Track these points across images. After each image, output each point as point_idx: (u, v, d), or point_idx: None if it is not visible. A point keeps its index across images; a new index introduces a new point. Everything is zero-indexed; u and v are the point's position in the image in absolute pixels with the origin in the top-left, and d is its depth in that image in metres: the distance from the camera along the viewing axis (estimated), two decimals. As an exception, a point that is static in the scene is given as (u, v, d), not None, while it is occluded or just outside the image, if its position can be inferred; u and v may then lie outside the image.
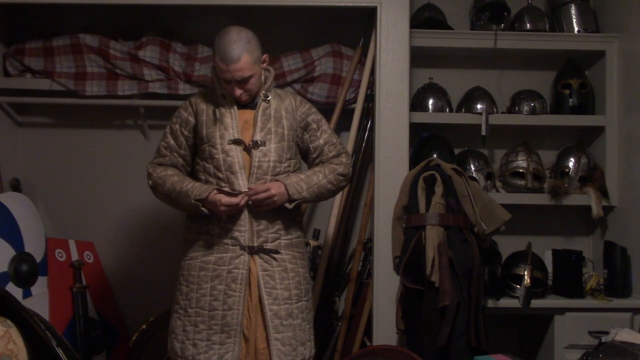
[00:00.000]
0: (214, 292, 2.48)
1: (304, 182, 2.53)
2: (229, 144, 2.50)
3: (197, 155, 2.61)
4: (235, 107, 2.56)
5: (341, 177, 2.64)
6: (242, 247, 2.48)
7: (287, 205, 2.51)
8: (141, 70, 3.44)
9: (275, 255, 2.52)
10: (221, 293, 2.47)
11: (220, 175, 2.50)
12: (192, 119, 2.59)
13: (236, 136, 2.51)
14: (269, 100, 2.58)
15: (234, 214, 2.47)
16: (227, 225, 2.49)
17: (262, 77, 2.60)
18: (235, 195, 2.43)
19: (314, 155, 2.66)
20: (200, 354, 2.47)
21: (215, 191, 2.44)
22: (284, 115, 2.58)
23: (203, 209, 2.45)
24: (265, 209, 2.48)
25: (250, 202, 2.47)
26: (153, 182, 2.60)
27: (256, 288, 2.50)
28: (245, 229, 2.49)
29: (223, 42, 2.44)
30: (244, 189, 2.47)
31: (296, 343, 2.53)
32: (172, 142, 2.61)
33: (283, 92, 2.69)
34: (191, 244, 2.57)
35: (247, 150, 2.51)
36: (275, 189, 2.46)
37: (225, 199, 2.42)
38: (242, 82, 2.47)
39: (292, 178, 2.52)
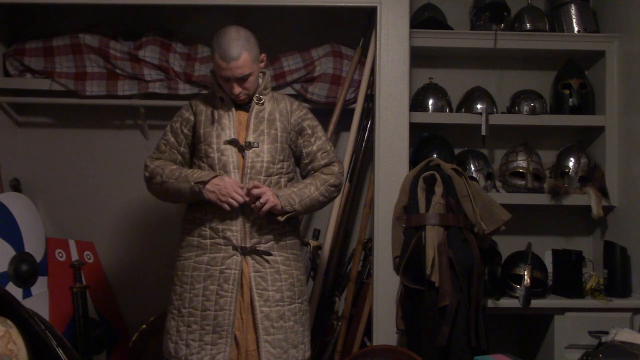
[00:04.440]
0: (207, 292, 2.48)
1: (296, 194, 2.53)
2: (224, 143, 2.53)
3: (194, 155, 2.63)
4: (233, 109, 2.58)
5: (332, 189, 2.65)
6: (235, 248, 2.49)
7: (280, 218, 2.51)
8: (141, 70, 3.44)
9: (268, 257, 2.52)
10: (213, 293, 2.47)
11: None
12: (192, 118, 2.62)
13: (232, 136, 2.53)
14: (262, 103, 2.59)
15: (231, 203, 2.45)
16: (219, 226, 2.50)
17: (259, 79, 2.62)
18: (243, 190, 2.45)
19: (306, 161, 2.67)
20: (193, 355, 2.47)
21: (219, 177, 2.45)
22: (277, 118, 2.60)
23: (202, 192, 2.44)
24: (256, 210, 2.47)
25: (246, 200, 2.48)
26: (150, 173, 2.60)
27: (248, 289, 2.50)
28: (237, 229, 2.49)
29: (223, 40, 2.46)
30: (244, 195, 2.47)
31: (287, 345, 2.52)
32: (172, 139, 2.63)
33: (280, 96, 2.70)
34: (185, 245, 2.58)
35: (241, 150, 2.53)
36: (271, 193, 2.46)
37: (234, 182, 2.44)
38: (242, 80, 2.49)
39: (284, 191, 2.53)
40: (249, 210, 2.49)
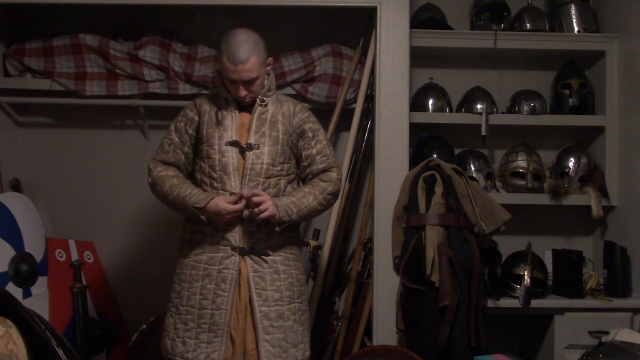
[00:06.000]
0: (204, 291, 2.50)
1: (295, 205, 2.53)
2: (226, 145, 2.53)
3: (196, 154, 2.63)
4: (237, 111, 2.58)
5: (330, 197, 2.65)
6: (233, 248, 2.50)
7: (277, 228, 2.51)
8: (141, 70, 3.44)
9: (267, 257, 2.52)
10: (210, 292, 2.49)
11: (214, 175, 2.53)
12: (196, 118, 2.62)
13: (234, 138, 2.53)
14: (266, 105, 2.59)
15: (234, 222, 2.49)
16: (219, 226, 2.50)
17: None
18: (235, 200, 2.45)
19: (305, 164, 2.67)
20: (189, 352, 2.49)
21: (214, 201, 2.44)
22: (279, 120, 2.60)
23: (202, 217, 2.47)
24: (254, 216, 2.46)
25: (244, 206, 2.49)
26: (152, 180, 2.61)
27: (246, 289, 2.51)
28: (236, 230, 2.50)
29: (231, 42, 2.46)
30: (236, 190, 2.49)
31: (287, 345, 2.53)
32: (176, 139, 2.63)
33: (284, 98, 2.70)
34: (186, 243, 2.60)
35: (242, 152, 2.53)
36: (271, 202, 2.46)
37: (230, 207, 2.43)
38: (248, 83, 2.49)
39: (283, 200, 2.52)
40: (248, 210, 2.50)
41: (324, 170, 2.66)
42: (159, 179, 2.58)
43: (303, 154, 2.66)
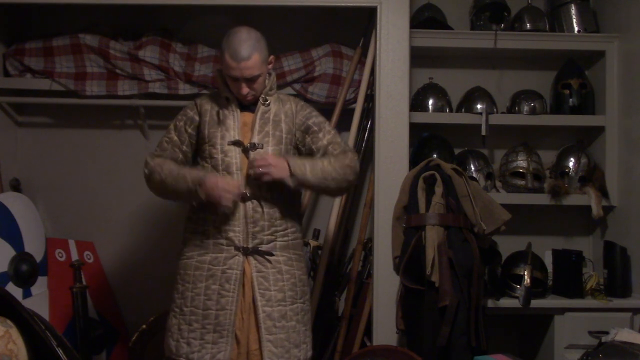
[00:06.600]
0: (208, 291, 2.49)
1: (308, 163, 2.51)
2: (228, 144, 2.53)
3: (198, 155, 2.63)
4: (238, 110, 2.58)
5: (347, 169, 2.58)
6: (237, 248, 2.50)
7: (288, 180, 2.47)
8: (141, 70, 3.44)
9: (270, 257, 2.52)
10: (215, 293, 2.49)
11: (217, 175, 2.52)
12: (196, 118, 2.61)
13: (236, 137, 2.53)
14: (268, 104, 2.59)
15: (230, 207, 2.45)
16: (222, 226, 2.50)
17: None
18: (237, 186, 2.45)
19: (319, 155, 2.64)
20: (194, 353, 2.48)
21: (215, 176, 2.44)
22: (282, 119, 2.60)
23: (200, 192, 2.43)
24: (259, 176, 2.45)
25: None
26: (149, 170, 2.59)
27: (250, 289, 2.51)
28: (240, 230, 2.50)
29: (234, 40, 2.46)
30: (240, 189, 2.48)
31: (289, 345, 2.53)
32: (175, 137, 2.63)
33: (285, 97, 2.70)
34: (188, 244, 2.59)
35: (245, 151, 2.53)
36: (275, 159, 2.45)
37: (222, 181, 2.41)
38: (250, 80, 2.50)
39: (295, 158, 2.53)
40: (251, 211, 2.50)
41: (340, 154, 2.63)
42: (157, 166, 2.56)
43: (314, 147, 2.63)
